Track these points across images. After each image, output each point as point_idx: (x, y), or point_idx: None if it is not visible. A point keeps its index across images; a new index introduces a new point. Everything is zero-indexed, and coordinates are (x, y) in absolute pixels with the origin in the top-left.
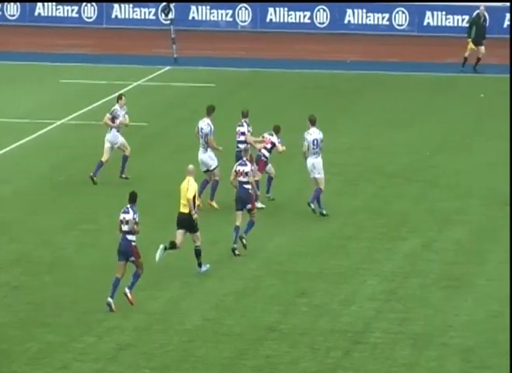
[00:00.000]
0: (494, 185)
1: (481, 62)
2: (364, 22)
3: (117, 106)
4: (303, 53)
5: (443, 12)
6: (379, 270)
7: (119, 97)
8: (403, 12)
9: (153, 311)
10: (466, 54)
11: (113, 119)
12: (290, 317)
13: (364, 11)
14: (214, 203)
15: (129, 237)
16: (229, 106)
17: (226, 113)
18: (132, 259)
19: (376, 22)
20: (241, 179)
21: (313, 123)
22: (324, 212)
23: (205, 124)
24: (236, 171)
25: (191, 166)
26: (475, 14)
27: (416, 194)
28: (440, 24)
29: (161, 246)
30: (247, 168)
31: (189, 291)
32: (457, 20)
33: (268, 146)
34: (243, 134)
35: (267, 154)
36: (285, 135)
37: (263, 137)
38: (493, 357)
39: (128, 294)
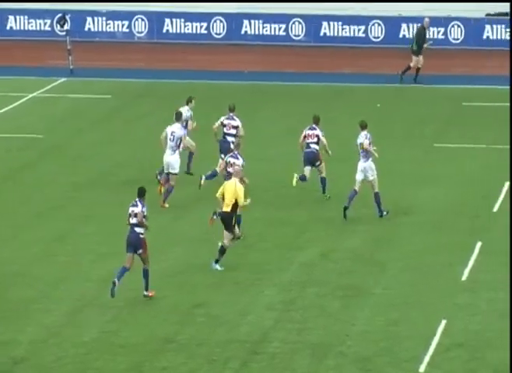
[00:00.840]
0: (390, 194)
1: (409, 72)
2: (261, 33)
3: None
4: (200, 64)
5: (340, 23)
6: (277, 280)
7: (189, 100)
8: (299, 23)
9: (49, 325)
10: (412, 64)
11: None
12: (187, 328)
13: (261, 21)
14: (166, 205)
15: (137, 229)
16: (126, 118)
17: (123, 124)
18: (140, 252)
19: (273, 33)
20: (230, 170)
21: (363, 127)
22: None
23: (177, 128)
24: (226, 162)
25: (237, 167)
26: (419, 25)
27: (313, 203)
28: (336, 34)
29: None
30: (238, 161)
31: (85, 304)
32: (354, 30)
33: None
34: (235, 127)
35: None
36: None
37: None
38: (390, 366)
39: (149, 294)
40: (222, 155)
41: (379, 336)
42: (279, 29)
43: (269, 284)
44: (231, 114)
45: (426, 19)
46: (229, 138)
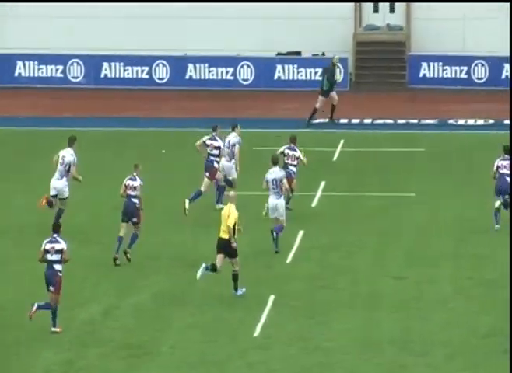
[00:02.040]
0: (175, 248)
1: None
2: (36, 75)
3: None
4: None
5: (122, 63)
6: (55, 340)
7: (233, 127)
8: (78, 64)
9: None
10: (318, 105)
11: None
12: None
13: (36, 63)
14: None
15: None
16: None
17: None
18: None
19: (49, 75)
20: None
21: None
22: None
23: (68, 154)
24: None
25: (232, 193)
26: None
27: (93, 257)
28: (118, 76)
29: (203, 265)
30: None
31: None
32: (137, 71)
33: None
34: (217, 148)
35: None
36: None
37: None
38: None
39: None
40: (207, 174)
41: None
42: (56, 70)
43: (46, 346)
44: (214, 134)
45: (336, 56)
46: (212, 158)
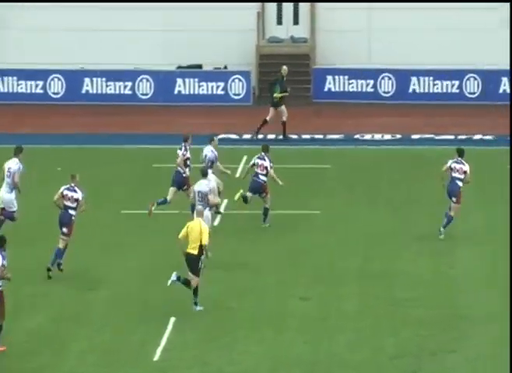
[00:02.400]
0: (78, 264)
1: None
2: None
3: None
4: None
5: (15, 77)
6: None
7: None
8: None
9: None
10: (268, 118)
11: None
12: None
13: None
14: None
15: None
16: None
17: None
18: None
19: None
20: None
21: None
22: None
23: (14, 164)
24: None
25: (200, 207)
26: (279, 74)
27: None
28: (12, 91)
29: (175, 274)
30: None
31: None
32: (31, 86)
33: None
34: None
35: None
36: None
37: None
38: None
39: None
40: (174, 188)
41: None
42: None
43: None
44: (184, 144)
45: (284, 67)
46: (180, 169)
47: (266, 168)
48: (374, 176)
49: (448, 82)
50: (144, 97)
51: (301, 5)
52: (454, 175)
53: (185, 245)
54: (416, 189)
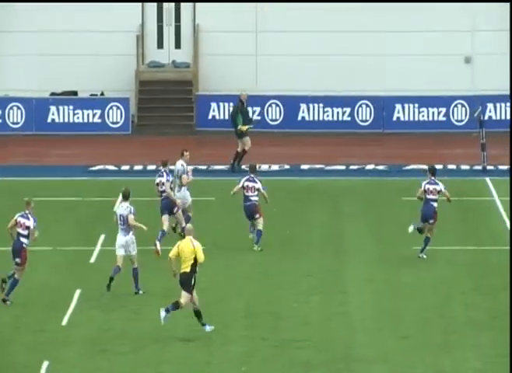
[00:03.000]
0: None
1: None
2: None
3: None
4: None
5: None
6: None
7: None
8: None
9: None
10: (239, 149)
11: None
12: None
13: None
14: None
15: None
16: None
17: None
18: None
19: None
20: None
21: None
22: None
23: None
24: None
25: (189, 225)
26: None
27: None
28: None
29: (162, 310)
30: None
31: None
32: None
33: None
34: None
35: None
36: None
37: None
38: None
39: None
40: (166, 215)
41: None
42: None
43: None
44: (163, 169)
45: (244, 93)
46: (164, 194)
47: (258, 189)
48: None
49: (339, 109)
50: (15, 126)
51: (183, 27)
52: (428, 197)
53: (176, 264)
54: (307, 222)
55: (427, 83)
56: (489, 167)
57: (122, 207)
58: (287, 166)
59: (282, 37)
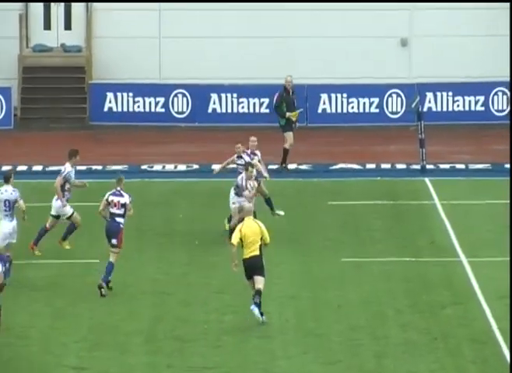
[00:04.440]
0: None
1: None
2: None
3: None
4: None
5: None
6: None
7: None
8: None
9: None
10: (287, 145)
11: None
12: None
13: None
14: None
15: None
16: None
17: None
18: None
19: None
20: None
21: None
22: None
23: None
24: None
25: (248, 204)
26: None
27: None
28: None
29: (254, 307)
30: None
31: None
32: None
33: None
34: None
35: None
36: None
37: None
38: None
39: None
40: None
41: None
42: None
43: None
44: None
45: (288, 77)
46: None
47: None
48: (166, 214)
49: (256, 100)
50: None
51: (74, 5)
52: None
53: (237, 253)
54: (218, 231)
55: (357, 69)
56: (428, 166)
57: (7, 192)
58: (196, 166)
59: (189, 17)
